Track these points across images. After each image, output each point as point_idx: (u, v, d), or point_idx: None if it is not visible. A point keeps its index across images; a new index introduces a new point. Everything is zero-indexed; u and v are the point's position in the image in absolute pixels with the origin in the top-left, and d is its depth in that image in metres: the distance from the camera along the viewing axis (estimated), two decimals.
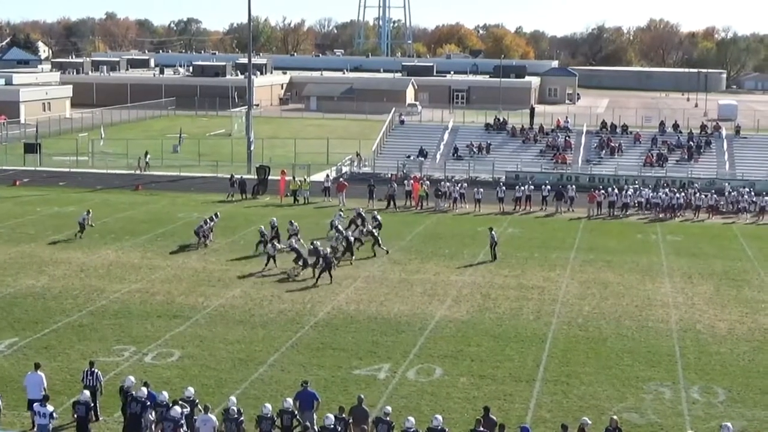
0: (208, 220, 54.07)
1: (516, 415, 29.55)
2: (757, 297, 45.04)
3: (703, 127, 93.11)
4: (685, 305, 43.18)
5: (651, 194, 68.42)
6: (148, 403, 26.36)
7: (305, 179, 71.35)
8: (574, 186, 70.97)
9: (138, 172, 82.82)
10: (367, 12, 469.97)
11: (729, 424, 25.72)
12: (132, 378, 27.86)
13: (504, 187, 69.42)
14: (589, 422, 26.02)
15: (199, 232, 53.09)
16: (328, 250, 47.44)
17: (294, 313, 40.53)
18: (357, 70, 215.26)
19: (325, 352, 35.45)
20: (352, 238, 51.03)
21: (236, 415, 25.74)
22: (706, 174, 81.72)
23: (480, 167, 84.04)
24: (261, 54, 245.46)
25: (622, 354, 36.05)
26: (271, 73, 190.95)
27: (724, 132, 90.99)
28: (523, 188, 68.98)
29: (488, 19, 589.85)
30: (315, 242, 48.83)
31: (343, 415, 25.99)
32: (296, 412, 26.39)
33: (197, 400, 26.84)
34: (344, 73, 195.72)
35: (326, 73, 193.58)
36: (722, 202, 68.49)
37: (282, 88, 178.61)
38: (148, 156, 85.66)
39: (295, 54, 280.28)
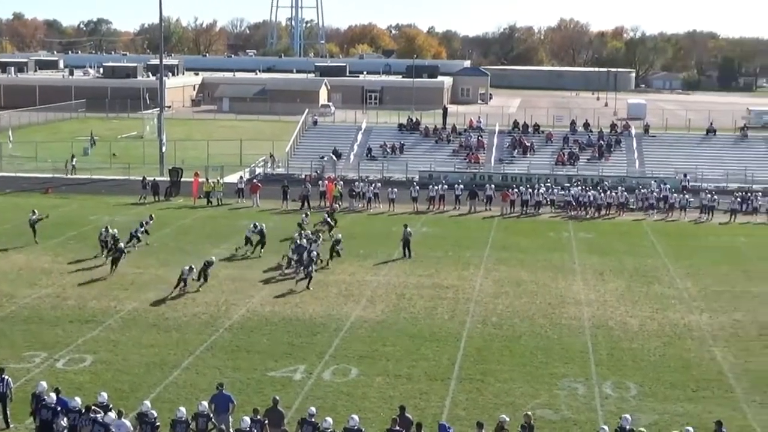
0: (109, 228, 52.44)
1: (431, 413, 29.66)
2: (667, 293, 45.78)
3: (613, 125, 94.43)
4: (597, 302, 43.73)
5: (572, 192, 69.25)
6: (59, 408, 25.98)
7: (218, 181, 70.90)
8: (493, 185, 71.30)
9: (66, 175, 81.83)
10: (279, 12, 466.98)
11: (628, 416, 26.34)
12: (44, 384, 27.39)
13: (418, 187, 69.76)
14: (507, 419, 26.22)
15: (101, 239, 51.97)
16: (315, 253, 47.29)
17: (208, 315, 40.24)
18: (270, 70, 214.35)
19: (240, 355, 35.27)
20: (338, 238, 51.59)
21: (152, 420, 25.50)
22: (616, 172, 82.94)
23: (394, 167, 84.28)
24: (172, 55, 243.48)
25: (536, 351, 36.39)
26: (183, 74, 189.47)
27: (633, 131, 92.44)
28: (436, 188, 69.42)
29: (400, 19, 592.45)
30: (299, 241, 48.85)
31: (259, 417, 25.86)
32: (212, 416, 26.23)
33: (111, 406, 26.49)
34: (257, 74, 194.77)
35: (239, 74, 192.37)
36: (632, 200, 69.54)
37: (194, 89, 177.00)
38: (75, 159, 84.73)
39: (207, 55, 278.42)
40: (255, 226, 52.88)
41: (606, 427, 25.94)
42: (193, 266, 44.22)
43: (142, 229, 53.29)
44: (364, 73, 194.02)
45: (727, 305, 43.65)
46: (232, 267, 49.01)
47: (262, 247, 52.08)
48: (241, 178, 74.08)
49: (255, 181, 73.36)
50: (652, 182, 75.31)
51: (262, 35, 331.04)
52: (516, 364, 34.91)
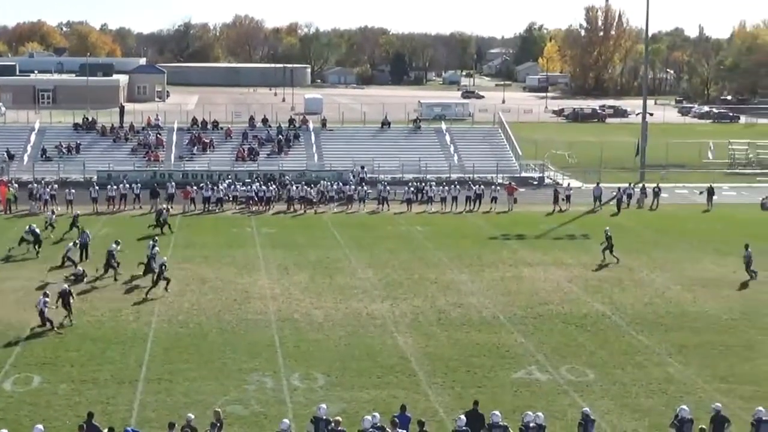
0: None
1: (120, 417, 29.13)
2: (350, 283, 46.88)
3: (291, 121, 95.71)
4: (282, 296, 44.23)
5: (253, 187, 69.65)
6: None
7: None
8: (174, 183, 70.55)
9: None
10: None
11: (324, 406, 26.94)
12: None
13: (97, 187, 68.32)
14: (193, 417, 26.22)
15: None
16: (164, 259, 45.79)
17: None
18: None
19: None
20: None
21: None
22: (296, 166, 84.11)
23: (71, 168, 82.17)
24: None
25: (224, 348, 36.42)
26: None
27: (311, 125, 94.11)
28: (116, 187, 68.23)
29: (71, 16, 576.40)
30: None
31: None
32: None
33: None
34: None
35: None
36: (313, 193, 70.67)
37: None
38: None
39: None
40: (29, 227, 52.61)
41: (287, 421, 26.30)
42: (48, 293, 39.98)
43: None
44: (35, 72, 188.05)
45: (407, 292, 45.19)
46: None
47: (38, 247, 51.79)
48: None
49: None
50: (350, 175, 77.22)
51: None
52: (204, 361, 34.82)
